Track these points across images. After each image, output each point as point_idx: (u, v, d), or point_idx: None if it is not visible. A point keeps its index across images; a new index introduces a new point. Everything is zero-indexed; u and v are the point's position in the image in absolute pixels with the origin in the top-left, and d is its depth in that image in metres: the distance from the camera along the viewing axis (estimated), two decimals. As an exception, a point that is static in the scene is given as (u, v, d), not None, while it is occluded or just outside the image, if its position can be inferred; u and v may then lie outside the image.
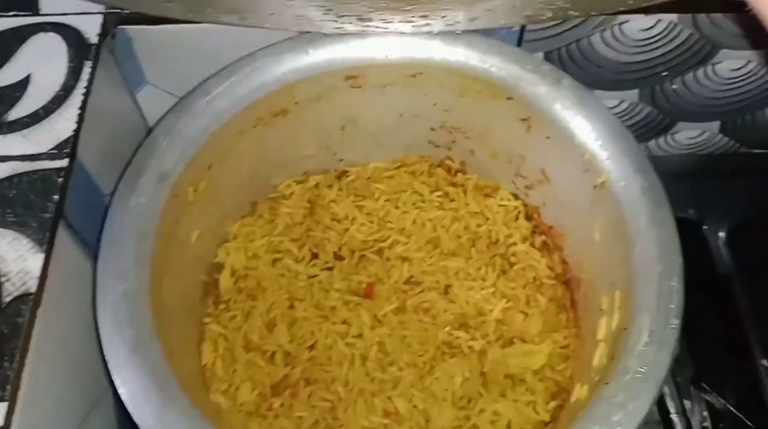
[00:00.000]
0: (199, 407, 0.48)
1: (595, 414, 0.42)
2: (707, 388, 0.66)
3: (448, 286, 0.60)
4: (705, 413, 0.67)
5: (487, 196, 0.64)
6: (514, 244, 0.62)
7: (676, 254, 0.47)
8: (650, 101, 0.69)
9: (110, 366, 0.43)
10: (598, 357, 0.50)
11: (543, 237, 0.62)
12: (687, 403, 0.67)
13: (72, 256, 0.49)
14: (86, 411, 0.47)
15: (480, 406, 0.55)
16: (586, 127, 0.53)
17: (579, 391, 0.50)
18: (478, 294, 0.59)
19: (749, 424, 0.61)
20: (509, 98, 0.55)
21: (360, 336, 0.58)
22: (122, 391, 0.42)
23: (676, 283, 0.46)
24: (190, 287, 0.57)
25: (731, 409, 0.63)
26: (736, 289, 0.69)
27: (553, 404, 0.55)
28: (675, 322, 0.45)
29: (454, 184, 0.65)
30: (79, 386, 0.47)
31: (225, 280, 0.60)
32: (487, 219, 0.63)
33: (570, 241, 0.60)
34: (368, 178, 0.65)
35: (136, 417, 0.41)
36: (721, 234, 0.72)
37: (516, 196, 0.64)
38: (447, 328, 0.58)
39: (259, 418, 0.55)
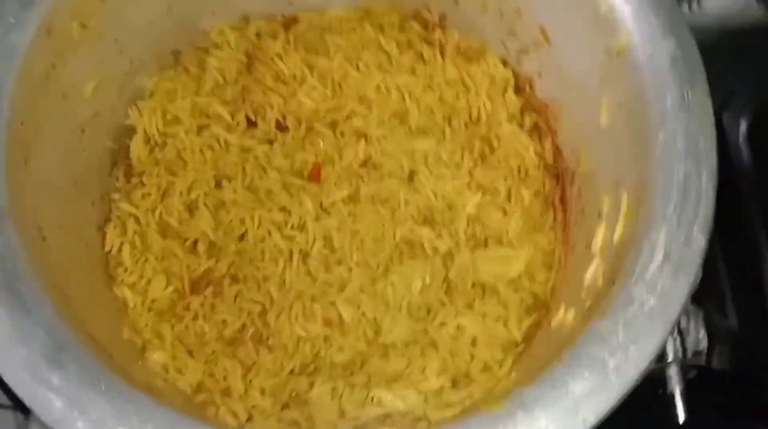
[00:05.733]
0: (93, 303, 0.40)
1: (586, 355, 0.33)
2: (707, 303, 0.57)
3: (413, 173, 0.50)
4: (701, 333, 0.58)
5: (469, 60, 0.52)
6: (499, 123, 0.51)
7: (710, 150, 0.37)
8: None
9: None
10: (592, 274, 0.40)
11: (534, 116, 0.51)
12: (682, 320, 0.59)
13: None
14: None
15: (441, 318, 0.47)
16: (606, -30, 0.40)
17: (563, 316, 0.40)
18: (449, 184, 0.49)
19: (752, 347, 0.53)
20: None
21: (301, 228, 0.49)
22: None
23: (706, 189, 0.36)
24: (88, 153, 0.47)
25: (733, 329, 0.55)
26: (751, 193, 0.58)
27: (527, 321, 0.46)
28: (700, 241, 0.34)
29: (429, 43, 0.53)
30: None
31: (137, 148, 0.51)
32: (468, 90, 0.52)
33: (567, 124, 0.49)
34: (323, 28, 0.53)
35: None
36: (742, 126, 0.60)
37: (506, 64, 0.52)
38: (408, 224, 0.48)
39: (173, 318, 0.47)
